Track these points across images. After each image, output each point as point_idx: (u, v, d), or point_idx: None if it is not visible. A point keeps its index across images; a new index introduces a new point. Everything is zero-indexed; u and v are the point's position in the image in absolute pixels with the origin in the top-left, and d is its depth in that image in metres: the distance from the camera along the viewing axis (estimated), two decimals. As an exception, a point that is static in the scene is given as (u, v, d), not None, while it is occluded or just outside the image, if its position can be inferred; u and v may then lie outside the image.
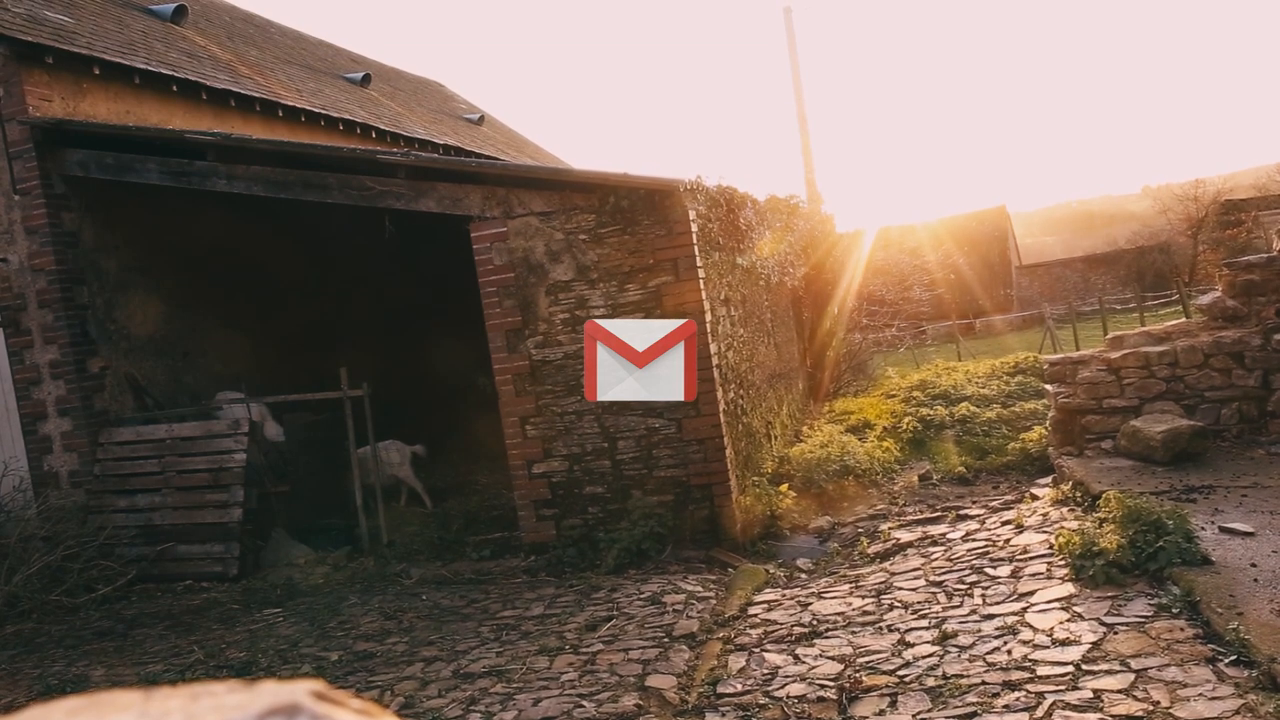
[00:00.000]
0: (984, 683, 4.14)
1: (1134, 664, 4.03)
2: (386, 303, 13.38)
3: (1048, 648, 4.37)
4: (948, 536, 6.63)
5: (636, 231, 7.59)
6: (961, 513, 7.31)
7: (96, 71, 9.48)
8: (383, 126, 13.95)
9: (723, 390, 7.82)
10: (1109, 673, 4.00)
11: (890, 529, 7.33)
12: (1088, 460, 7.15)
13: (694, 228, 7.56)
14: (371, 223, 9.84)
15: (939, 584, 5.61)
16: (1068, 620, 4.61)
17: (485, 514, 9.41)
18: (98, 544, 8.57)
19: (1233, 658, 3.89)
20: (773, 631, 5.34)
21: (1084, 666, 4.10)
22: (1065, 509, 6.42)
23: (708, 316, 7.65)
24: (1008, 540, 6.16)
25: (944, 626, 4.86)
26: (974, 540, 6.39)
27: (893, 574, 6.04)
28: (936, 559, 6.16)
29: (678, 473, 7.70)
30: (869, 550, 6.89)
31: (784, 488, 8.00)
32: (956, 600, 5.26)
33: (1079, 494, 6.48)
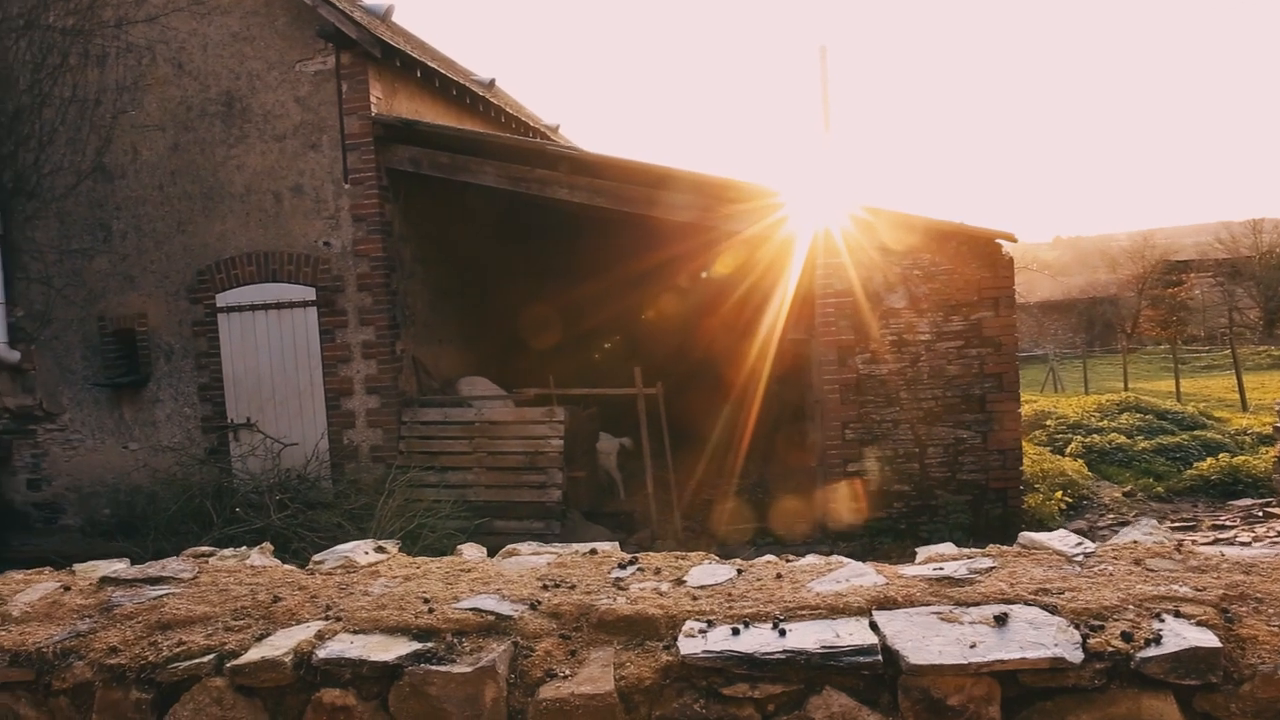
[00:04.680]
0: None
1: None
2: (633, 304, 14.31)
3: None
4: (1238, 540, 8.23)
5: (966, 272, 8.93)
6: (1215, 524, 8.95)
7: (419, 74, 10.13)
8: (553, 138, 14.78)
9: (1015, 410, 9.23)
10: None
11: (1158, 534, 8.88)
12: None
13: (1014, 271, 8.97)
14: (643, 229, 10.86)
15: None
16: None
17: (755, 506, 10.46)
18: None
19: None
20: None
21: None
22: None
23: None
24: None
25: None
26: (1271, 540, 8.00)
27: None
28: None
29: (977, 477, 9.06)
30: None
31: (1058, 494, 9.47)
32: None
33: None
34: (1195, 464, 10.90)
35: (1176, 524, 9.23)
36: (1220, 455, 10.88)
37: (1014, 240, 8.90)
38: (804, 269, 9.22)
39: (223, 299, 9.94)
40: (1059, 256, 51.45)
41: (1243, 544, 8.18)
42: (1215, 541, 8.40)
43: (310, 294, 9.75)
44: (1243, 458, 10.71)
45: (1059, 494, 9.54)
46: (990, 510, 9.03)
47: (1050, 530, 8.70)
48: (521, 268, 13.57)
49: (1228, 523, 9.02)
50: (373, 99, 9.56)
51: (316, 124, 9.63)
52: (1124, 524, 9.50)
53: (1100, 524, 9.60)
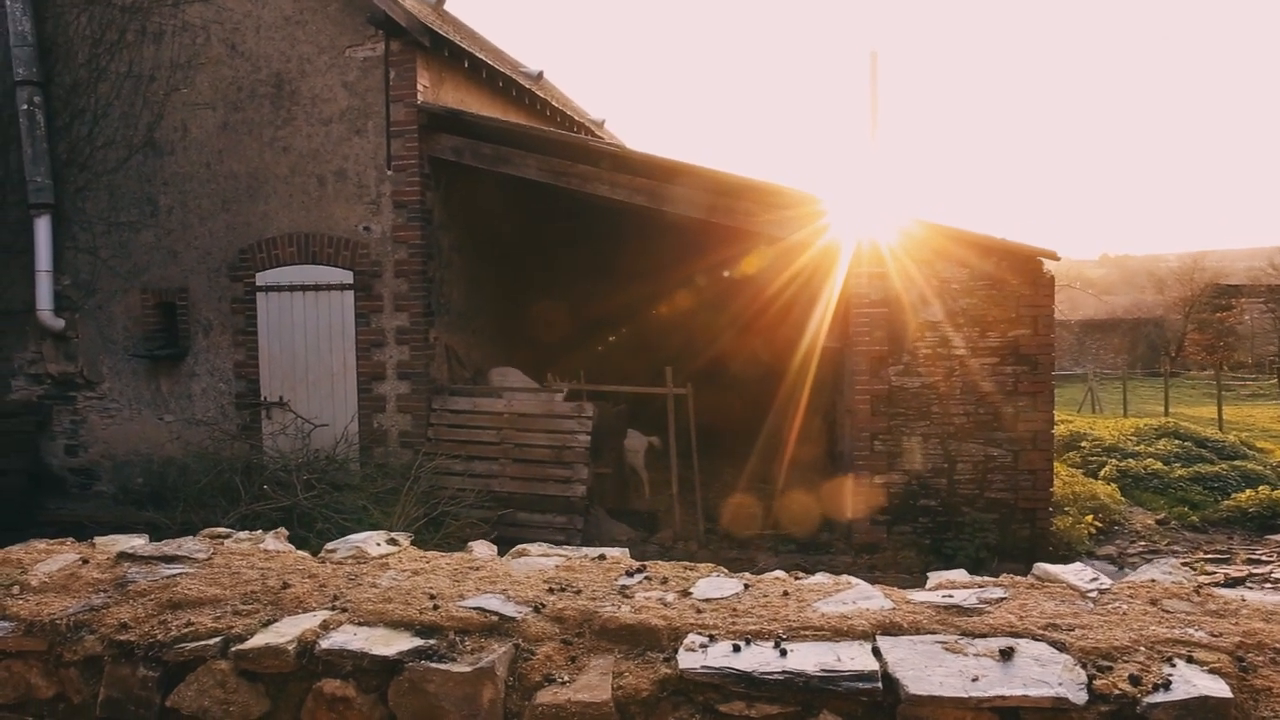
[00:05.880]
0: None
1: None
2: (669, 304, 14.33)
3: None
4: (1274, 576, 8.04)
5: (1005, 289, 8.80)
6: (1250, 558, 8.74)
7: (466, 64, 10.18)
8: (598, 133, 14.79)
9: (1048, 431, 9.08)
10: None
11: (1190, 563, 8.70)
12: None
13: (1054, 290, 8.83)
14: (683, 229, 10.82)
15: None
16: None
17: (779, 511, 10.41)
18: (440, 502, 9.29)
19: None
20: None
21: None
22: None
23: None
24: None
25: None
26: (1305, 583, 7.80)
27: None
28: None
29: (1006, 496, 8.93)
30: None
31: (1089, 518, 9.32)
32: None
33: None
34: (1233, 495, 10.67)
35: (1210, 555, 9.05)
36: (1260, 487, 10.64)
37: (1056, 258, 8.76)
38: (840, 278, 9.15)
39: (262, 278, 10.07)
40: (1105, 275, 50.63)
41: (1276, 582, 8.00)
42: (1249, 576, 8.22)
43: (348, 277, 9.84)
44: (1283, 491, 10.47)
45: (1089, 518, 9.39)
46: (1018, 530, 8.91)
47: (1078, 553, 8.55)
48: (560, 262, 13.61)
49: (1264, 558, 8.82)
50: (419, 87, 9.63)
51: (363, 109, 9.72)
52: (1155, 552, 9.34)
53: (1130, 551, 9.44)
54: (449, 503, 9.15)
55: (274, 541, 3.12)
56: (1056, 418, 15.64)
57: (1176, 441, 12.92)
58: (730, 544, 9.65)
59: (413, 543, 3.24)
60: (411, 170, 9.66)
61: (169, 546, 3.00)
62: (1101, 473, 11.93)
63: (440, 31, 9.70)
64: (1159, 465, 11.88)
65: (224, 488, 9.09)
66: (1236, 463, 11.81)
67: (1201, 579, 8.46)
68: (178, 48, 10.24)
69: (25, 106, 10.39)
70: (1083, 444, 13.34)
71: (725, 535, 9.87)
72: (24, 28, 10.33)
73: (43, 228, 10.45)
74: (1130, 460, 12.35)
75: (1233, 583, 8.10)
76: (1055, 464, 11.92)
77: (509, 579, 2.65)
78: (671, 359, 10.83)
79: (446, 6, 12.86)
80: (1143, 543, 9.72)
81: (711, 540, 9.75)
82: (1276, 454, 13.30)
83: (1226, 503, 10.51)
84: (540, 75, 17.37)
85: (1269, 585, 7.88)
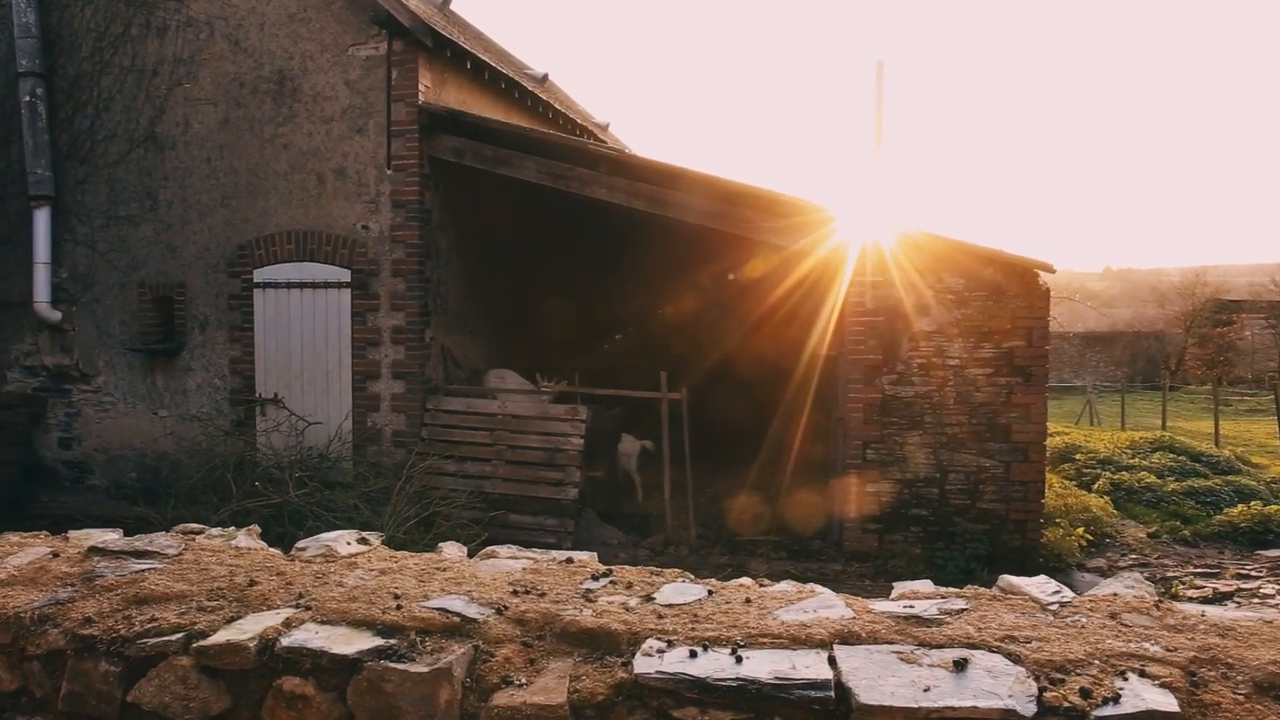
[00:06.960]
0: None
1: None
2: (666, 308, 14.35)
3: None
4: (1262, 591, 8.02)
5: (1001, 300, 8.80)
6: (1240, 573, 8.73)
7: (469, 65, 10.21)
8: (602, 137, 14.81)
9: (1041, 443, 9.07)
10: None
11: (1178, 577, 8.69)
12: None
13: (1050, 302, 8.82)
14: (682, 234, 10.82)
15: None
16: None
17: (772, 517, 10.42)
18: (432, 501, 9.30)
19: None
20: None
21: None
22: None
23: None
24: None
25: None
26: (1295, 600, 7.78)
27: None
28: None
29: (998, 507, 8.92)
30: (1184, 594, 8.22)
31: (1080, 531, 9.32)
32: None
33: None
34: (1226, 510, 10.65)
35: (1200, 570, 9.04)
36: (1252, 503, 10.63)
37: (1052, 271, 8.76)
38: (839, 286, 9.16)
39: (260, 274, 10.10)
40: (1107, 288, 50.62)
41: (1265, 597, 7.99)
42: (1238, 591, 8.21)
43: (345, 276, 9.86)
44: (1276, 506, 10.45)
45: (1080, 530, 9.38)
46: (1009, 541, 8.90)
47: (1069, 565, 8.53)
48: (561, 265, 13.64)
49: (1253, 573, 8.81)
50: (421, 87, 9.65)
51: (364, 108, 9.74)
52: (1145, 565, 9.33)
53: (1121, 564, 9.42)
54: (440, 503, 9.15)
55: (246, 538, 3.14)
56: (1053, 430, 15.62)
57: (1171, 455, 12.91)
58: (722, 549, 9.65)
59: (400, 543, 3.25)
60: (411, 170, 9.68)
61: (140, 541, 3.01)
62: (1095, 485, 11.92)
63: (443, 32, 9.73)
64: (1152, 479, 11.87)
65: (216, 484, 9.10)
66: (1230, 478, 11.79)
67: (1191, 591, 8.45)
68: (181, 43, 10.28)
69: (28, 98, 10.42)
70: (1077, 456, 13.33)
71: (717, 540, 9.88)
72: (28, 19, 10.38)
73: (42, 220, 10.48)
74: (1124, 473, 12.34)
75: (1221, 597, 8.09)
76: (1049, 476, 11.92)
77: (475, 580, 2.66)
78: (675, 363, 10.84)
79: (453, 7, 12.89)
80: (1133, 556, 9.71)
81: (703, 545, 9.75)
82: (1271, 469, 13.28)
83: (1219, 517, 10.50)
84: (545, 78, 17.38)
85: (1257, 600, 7.87)
